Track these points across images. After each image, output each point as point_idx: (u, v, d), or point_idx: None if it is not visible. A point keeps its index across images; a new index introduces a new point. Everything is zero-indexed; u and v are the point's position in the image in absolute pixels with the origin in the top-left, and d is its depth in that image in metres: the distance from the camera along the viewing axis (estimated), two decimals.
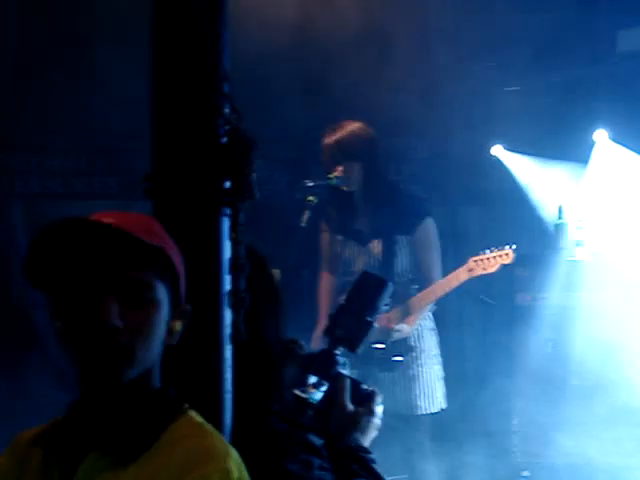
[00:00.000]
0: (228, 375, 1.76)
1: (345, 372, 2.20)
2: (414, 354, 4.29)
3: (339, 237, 4.36)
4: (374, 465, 2.09)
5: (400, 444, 4.22)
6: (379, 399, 2.22)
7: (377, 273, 4.21)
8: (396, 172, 6.86)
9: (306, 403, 2.08)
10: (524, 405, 5.76)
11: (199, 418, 1.63)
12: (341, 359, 2.19)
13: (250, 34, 5.05)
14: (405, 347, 4.28)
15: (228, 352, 1.77)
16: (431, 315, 4.45)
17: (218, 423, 1.74)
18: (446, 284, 4.19)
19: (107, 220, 1.55)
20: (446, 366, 4.54)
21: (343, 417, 2.11)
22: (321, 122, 4.37)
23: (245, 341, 1.75)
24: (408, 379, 4.25)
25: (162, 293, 1.60)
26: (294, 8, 6.09)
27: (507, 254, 4.12)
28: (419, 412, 4.26)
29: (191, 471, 1.49)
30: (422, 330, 4.33)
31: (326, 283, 4.47)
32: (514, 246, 4.16)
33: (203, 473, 1.49)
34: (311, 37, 6.26)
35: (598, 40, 6.23)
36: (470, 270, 4.15)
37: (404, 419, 4.25)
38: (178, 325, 1.65)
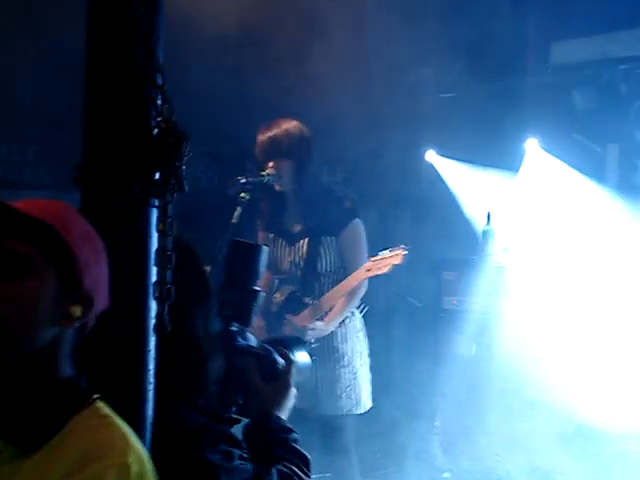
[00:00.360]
0: (151, 366, 1.76)
1: (252, 343, 2.18)
2: (338, 355, 4.30)
3: (270, 235, 4.37)
4: (296, 444, 2.10)
5: (324, 444, 4.24)
6: (294, 369, 2.21)
7: (300, 273, 4.27)
8: (330, 173, 6.90)
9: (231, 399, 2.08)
10: (447, 407, 5.84)
11: (106, 410, 1.60)
12: (239, 336, 2.16)
13: (187, 28, 5.05)
14: (328, 348, 4.29)
15: (152, 343, 1.76)
16: (360, 317, 4.47)
17: (139, 414, 1.74)
18: (347, 283, 4.23)
19: (13, 204, 1.54)
20: (372, 367, 4.57)
21: (259, 398, 2.11)
22: (258, 120, 4.37)
23: (173, 335, 1.75)
24: (332, 380, 4.26)
25: (46, 270, 1.56)
26: (233, 7, 6.09)
27: (398, 254, 4.18)
28: (342, 412, 4.27)
29: (87, 466, 1.46)
30: (348, 331, 4.34)
31: (261, 280, 4.48)
32: (406, 247, 4.21)
33: (99, 468, 1.46)
34: (247, 34, 6.27)
35: (532, 51, 6.35)
36: (368, 270, 4.19)
37: (328, 419, 4.27)
38: (77, 310, 1.60)
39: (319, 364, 4.22)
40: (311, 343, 4.21)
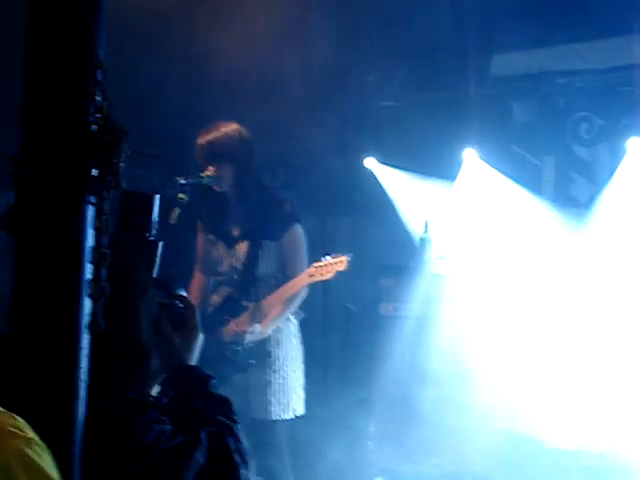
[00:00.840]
0: (84, 364, 1.74)
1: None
2: (270, 359, 4.29)
3: (210, 237, 4.36)
4: (215, 390, 2.09)
5: (256, 448, 4.23)
6: (194, 309, 2.18)
7: (238, 276, 4.27)
8: (270, 178, 6.90)
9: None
10: (382, 411, 5.88)
11: None
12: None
13: (130, 30, 5.02)
14: (262, 352, 4.28)
15: (85, 341, 1.75)
16: (295, 322, 4.47)
17: (71, 411, 1.72)
18: (290, 287, 4.23)
19: None
20: (308, 371, 4.58)
21: (172, 349, 2.09)
22: (201, 121, 4.36)
23: (114, 333, 1.74)
24: (262, 384, 4.25)
25: None
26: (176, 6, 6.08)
27: (342, 261, 4.21)
28: (272, 417, 4.26)
29: None
30: (282, 336, 4.34)
31: (195, 282, 4.46)
32: (349, 254, 4.25)
33: (5, 454, 1.42)
34: (193, 34, 6.26)
35: (473, 63, 6.42)
36: (311, 275, 4.21)
37: (259, 423, 4.25)
38: None
39: (251, 367, 4.21)
40: (246, 345, 4.21)
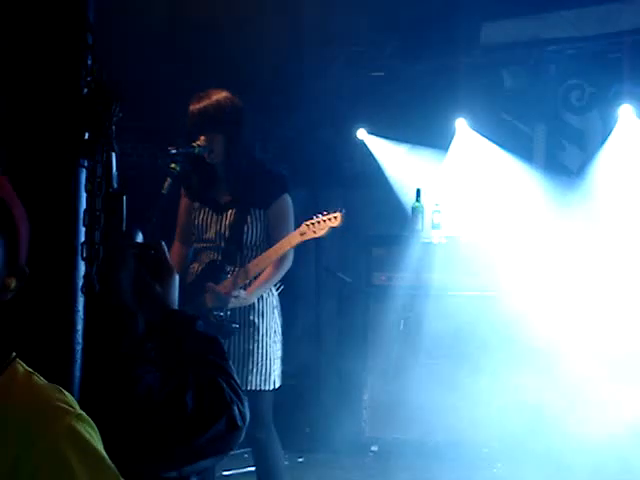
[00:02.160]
0: (79, 327, 1.75)
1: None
2: (252, 329, 4.26)
3: (196, 204, 4.33)
4: (201, 329, 2.09)
5: None
6: (164, 250, 2.16)
7: (224, 242, 4.23)
8: (261, 150, 6.88)
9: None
10: (375, 381, 5.91)
11: (25, 368, 1.56)
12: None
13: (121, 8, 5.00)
14: (244, 321, 4.25)
15: (80, 304, 1.75)
16: (275, 293, 4.43)
17: (68, 375, 1.73)
18: (279, 248, 4.17)
19: None
20: (301, 341, 4.58)
21: (153, 295, 2.08)
22: (190, 94, 4.32)
23: (101, 292, 1.74)
24: (243, 353, 4.22)
25: None
26: None
27: (336, 217, 4.13)
28: (253, 387, 4.24)
29: (35, 444, 1.43)
30: (264, 306, 4.30)
31: (175, 252, 4.40)
32: (343, 210, 4.17)
33: (49, 444, 1.44)
34: (183, 10, 6.23)
35: (463, 31, 6.40)
36: (302, 234, 4.13)
37: None
38: (13, 283, 1.58)
39: (234, 335, 4.19)
40: (237, 311, 4.18)
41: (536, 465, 5.20)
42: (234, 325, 4.17)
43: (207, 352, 2.04)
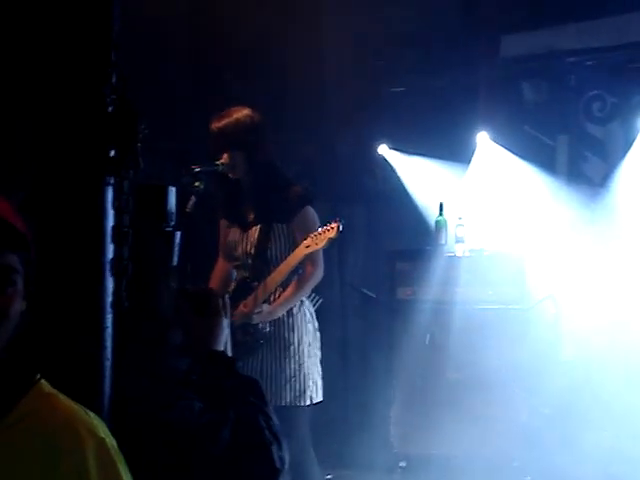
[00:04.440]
0: (109, 343, 1.76)
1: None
2: (285, 345, 4.26)
3: (227, 223, 4.37)
4: (241, 371, 2.11)
5: None
6: (215, 295, 2.20)
7: (251, 259, 4.25)
8: (283, 167, 6.90)
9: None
10: (403, 396, 5.88)
11: (50, 388, 1.58)
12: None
13: (140, 26, 5.04)
14: (277, 336, 4.25)
15: (109, 320, 1.77)
16: (311, 308, 4.44)
17: (98, 391, 1.74)
18: (289, 263, 4.19)
19: None
20: (327, 358, 4.56)
21: (196, 331, 2.11)
22: (211, 110, 4.35)
23: (135, 309, 1.76)
24: (277, 370, 4.21)
25: (21, 276, 1.58)
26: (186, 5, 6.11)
27: (332, 228, 4.16)
28: (285, 403, 4.21)
29: (62, 458, 1.45)
30: (297, 321, 4.29)
31: (218, 268, 4.46)
32: (343, 220, 4.19)
33: (77, 459, 1.46)
34: (202, 30, 6.28)
35: (482, 45, 6.41)
36: (307, 246, 4.17)
37: (275, 410, 4.17)
38: (23, 305, 1.61)
39: (266, 352, 4.20)
40: (262, 328, 4.19)
41: (566, 477, 5.15)
42: (260, 341, 4.18)
43: (247, 393, 2.04)
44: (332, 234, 4.13)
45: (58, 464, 1.45)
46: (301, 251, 4.17)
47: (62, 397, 1.57)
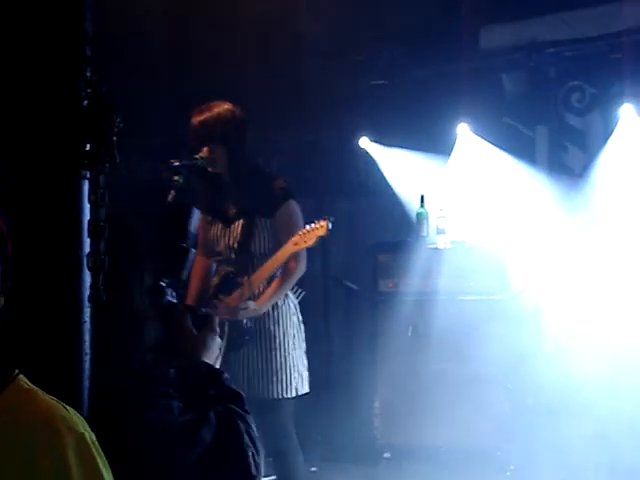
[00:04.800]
0: (87, 337, 1.76)
1: (174, 301, 2.23)
2: (269, 338, 4.27)
3: (208, 217, 4.36)
4: (228, 383, 2.14)
5: (260, 428, 4.22)
6: (217, 319, 2.26)
7: (234, 254, 4.27)
8: (265, 164, 6.89)
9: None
10: (386, 388, 5.90)
11: (28, 384, 1.56)
12: (168, 290, 2.19)
13: (123, 20, 5.03)
14: (261, 330, 4.27)
15: (87, 314, 1.76)
16: (295, 300, 4.45)
17: (76, 386, 1.74)
18: (276, 260, 4.20)
19: None
20: (310, 350, 4.57)
21: (190, 342, 2.14)
22: (191, 110, 4.34)
23: (109, 304, 1.76)
24: (263, 363, 4.23)
25: None
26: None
27: (322, 226, 4.16)
28: (274, 396, 4.24)
29: (43, 455, 1.44)
30: (281, 314, 4.31)
31: (198, 265, 4.45)
32: (332, 218, 4.20)
33: (56, 454, 1.44)
34: (184, 24, 6.26)
35: (461, 37, 6.42)
36: (295, 244, 4.18)
37: (261, 402, 4.20)
38: (1, 301, 1.59)
39: (251, 345, 4.21)
40: (245, 323, 4.20)
41: (549, 467, 5.18)
42: (245, 337, 4.19)
43: (230, 402, 2.06)
44: (322, 232, 4.14)
45: (37, 460, 1.44)
46: (289, 248, 4.17)
47: (41, 393, 1.56)
